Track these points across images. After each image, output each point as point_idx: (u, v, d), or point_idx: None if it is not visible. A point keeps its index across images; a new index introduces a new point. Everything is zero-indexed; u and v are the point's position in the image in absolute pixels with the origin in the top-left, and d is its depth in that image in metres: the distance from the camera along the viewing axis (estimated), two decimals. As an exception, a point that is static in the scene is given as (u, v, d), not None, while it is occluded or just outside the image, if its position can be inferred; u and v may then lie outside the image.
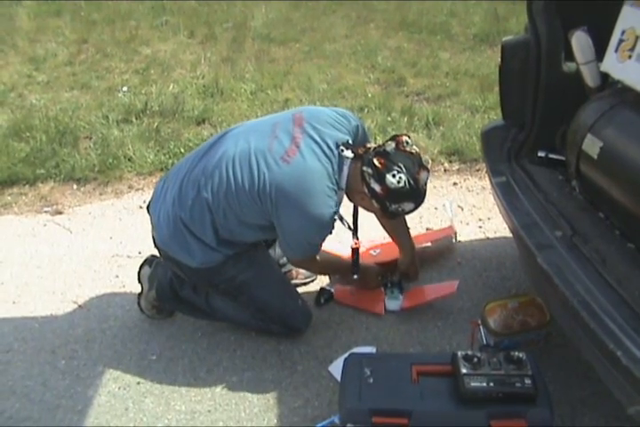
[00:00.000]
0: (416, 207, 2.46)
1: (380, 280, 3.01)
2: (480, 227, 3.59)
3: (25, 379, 2.71)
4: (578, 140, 2.27)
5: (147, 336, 2.91)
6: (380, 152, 2.38)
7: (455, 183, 4.09)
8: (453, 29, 7.09)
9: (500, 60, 2.69)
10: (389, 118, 4.86)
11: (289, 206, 2.36)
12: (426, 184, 2.41)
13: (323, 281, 3.19)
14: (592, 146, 2.18)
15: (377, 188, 2.36)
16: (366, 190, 2.40)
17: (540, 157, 2.72)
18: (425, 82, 5.72)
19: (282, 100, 5.30)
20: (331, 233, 2.51)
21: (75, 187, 4.28)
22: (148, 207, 2.76)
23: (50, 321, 3.04)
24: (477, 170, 4.20)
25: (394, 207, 2.41)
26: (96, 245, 3.63)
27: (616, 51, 2.22)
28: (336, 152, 2.42)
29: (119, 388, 2.64)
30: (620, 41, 2.20)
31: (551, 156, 2.69)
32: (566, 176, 2.54)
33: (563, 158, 2.54)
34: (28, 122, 5.02)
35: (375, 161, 2.35)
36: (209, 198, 2.47)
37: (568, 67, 2.56)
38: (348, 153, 2.42)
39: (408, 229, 3.02)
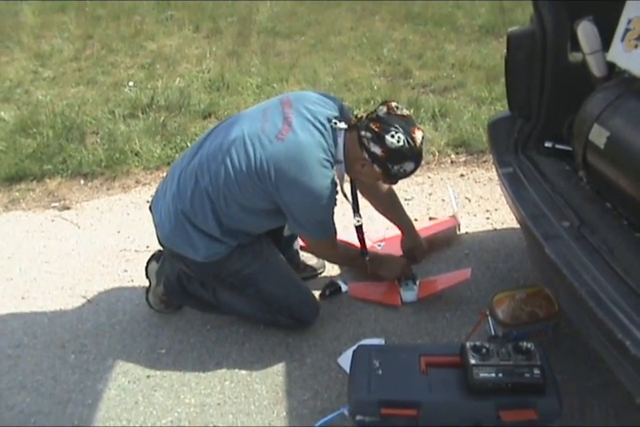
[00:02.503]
0: (416, 167, 2.49)
1: (404, 271, 3.02)
2: (487, 218, 3.59)
3: (35, 373, 2.73)
4: (584, 130, 2.26)
5: (155, 330, 2.92)
6: (374, 118, 2.42)
7: (462, 175, 4.08)
8: (459, 21, 7.06)
9: (505, 51, 2.69)
10: (395, 111, 4.84)
11: (288, 182, 2.38)
12: (422, 143, 2.44)
13: (331, 274, 3.19)
14: (599, 136, 2.18)
15: (377, 150, 2.39)
16: (367, 156, 2.43)
17: (547, 148, 2.72)
18: (431, 74, 5.71)
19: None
20: (335, 204, 2.51)
21: (82, 182, 4.30)
22: (150, 208, 2.78)
23: (59, 316, 3.06)
24: (484, 161, 4.19)
25: (396, 169, 2.44)
26: (104, 240, 3.65)
27: (622, 40, 2.22)
28: (328, 126, 2.45)
29: (129, 382, 2.66)
30: (627, 30, 2.19)
31: (558, 146, 2.69)
32: (573, 166, 2.54)
33: (569, 149, 2.54)
34: (35, 118, 5.04)
35: (372, 125, 2.39)
36: (208, 187, 2.49)
37: (574, 57, 2.55)
38: (342, 124, 2.47)
39: (403, 208, 3.08)
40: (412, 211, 3.67)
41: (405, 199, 3.81)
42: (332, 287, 3.05)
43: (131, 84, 5.85)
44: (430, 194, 3.88)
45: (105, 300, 3.14)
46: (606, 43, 2.32)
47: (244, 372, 2.66)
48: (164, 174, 2.86)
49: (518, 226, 2.73)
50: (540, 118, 2.71)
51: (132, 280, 3.27)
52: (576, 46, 2.46)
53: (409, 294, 2.95)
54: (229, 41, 6.94)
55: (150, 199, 2.83)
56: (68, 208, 4.02)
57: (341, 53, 6.32)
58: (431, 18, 7.15)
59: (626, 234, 2.17)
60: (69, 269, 3.40)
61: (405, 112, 2.45)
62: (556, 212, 2.37)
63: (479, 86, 5.26)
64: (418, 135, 2.41)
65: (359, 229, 2.84)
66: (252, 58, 6.36)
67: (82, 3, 8.47)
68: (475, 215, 3.63)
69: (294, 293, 2.79)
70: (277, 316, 2.78)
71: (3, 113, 5.27)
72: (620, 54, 2.25)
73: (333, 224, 2.59)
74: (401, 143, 2.35)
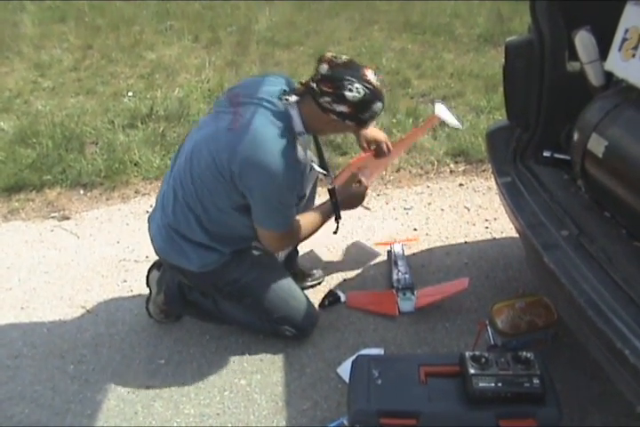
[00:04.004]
0: (383, 105, 2.44)
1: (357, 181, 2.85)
2: (486, 227, 3.59)
3: (34, 384, 2.72)
4: (583, 139, 2.26)
5: (155, 340, 2.92)
6: (321, 78, 2.34)
7: (461, 184, 4.09)
8: (457, 30, 7.09)
9: (504, 60, 2.70)
10: (394, 120, 4.86)
11: (249, 166, 2.35)
12: (377, 80, 2.38)
13: (330, 284, 3.20)
14: (597, 145, 2.18)
15: (343, 109, 2.34)
16: (335, 117, 2.38)
17: (546, 157, 2.72)
18: (429, 83, 5.72)
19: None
20: (299, 185, 2.49)
21: (81, 192, 4.29)
22: (148, 220, 2.82)
23: (58, 326, 3.05)
24: (483, 170, 4.20)
25: (367, 115, 2.40)
26: (103, 250, 3.65)
27: (619, 49, 2.22)
28: (279, 103, 2.41)
29: (128, 392, 2.65)
30: (624, 40, 2.20)
31: (556, 155, 2.69)
32: (572, 176, 2.54)
33: (568, 158, 2.54)
34: (34, 128, 5.03)
35: (324, 88, 2.33)
36: (185, 197, 2.53)
37: (572, 66, 2.56)
38: (292, 98, 2.41)
39: None
40: (411, 220, 3.69)
41: (405, 208, 3.83)
42: (331, 297, 3.05)
43: (130, 94, 5.86)
44: (429, 203, 3.88)
45: (104, 310, 3.14)
46: (604, 52, 2.33)
47: (243, 382, 2.66)
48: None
49: (517, 235, 2.74)
50: (538, 127, 2.72)
51: (132, 290, 3.26)
52: (574, 56, 2.47)
53: (406, 304, 2.95)
54: (228, 51, 6.96)
55: (150, 209, 2.84)
56: (68, 218, 4.02)
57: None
58: (429, 27, 7.17)
59: (624, 243, 2.17)
60: (69, 279, 3.40)
61: (345, 58, 2.39)
62: (555, 221, 2.37)
63: (478, 95, 5.28)
64: (371, 76, 2.36)
65: (332, 192, 2.72)
66: (251, 67, 6.37)
67: (81, 13, 8.50)
68: (474, 224, 3.63)
69: (292, 301, 2.78)
70: (276, 325, 2.77)
71: (2, 123, 5.27)
72: (617, 64, 2.25)
73: (294, 214, 2.56)
74: (362, 92, 2.31)
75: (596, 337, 1.91)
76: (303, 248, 3.21)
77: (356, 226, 3.69)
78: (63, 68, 6.70)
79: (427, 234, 3.58)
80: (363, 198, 2.85)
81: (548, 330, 2.55)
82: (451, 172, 4.25)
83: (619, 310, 1.87)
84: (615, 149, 2.13)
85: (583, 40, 2.38)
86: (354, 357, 2.41)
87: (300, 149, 2.46)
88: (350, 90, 2.29)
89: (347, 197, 2.78)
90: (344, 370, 2.57)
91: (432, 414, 2.06)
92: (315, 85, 2.34)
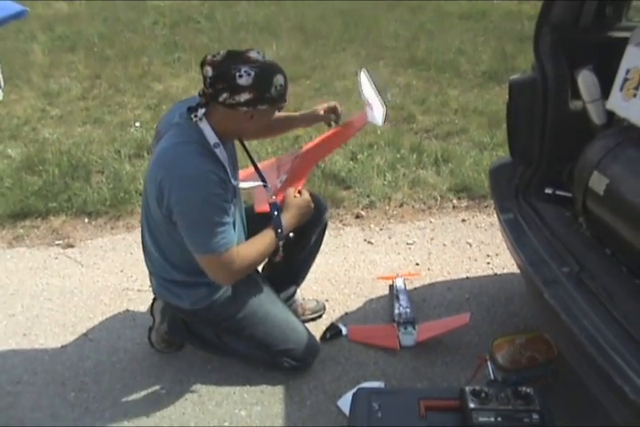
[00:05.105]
0: (284, 75, 2.37)
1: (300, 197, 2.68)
2: (488, 263, 3.61)
3: (34, 411, 2.72)
4: (584, 177, 2.29)
5: (156, 370, 2.92)
6: (211, 81, 2.26)
7: (464, 220, 4.11)
8: (462, 67, 7.15)
9: (507, 97, 2.73)
10: (398, 155, 4.89)
11: (164, 188, 2.31)
12: (263, 57, 2.31)
13: (332, 317, 3.20)
14: (598, 183, 2.21)
15: (246, 96, 2.26)
16: (245, 108, 2.30)
17: (548, 194, 2.75)
18: (434, 119, 5.76)
19: (292, 137, 5.31)
20: (224, 201, 2.36)
21: (86, 220, 4.31)
22: None
23: (60, 353, 3.05)
24: (486, 206, 4.22)
25: (273, 91, 2.31)
26: (107, 279, 3.66)
27: (621, 89, 2.27)
28: (185, 123, 2.36)
29: (128, 421, 2.65)
30: (625, 80, 2.25)
31: (558, 192, 2.72)
32: (573, 213, 2.57)
33: (570, 195, 2.57)
34: (41, 156, 5.06)
35: (218, 87, 2.26)
36: (153, 244, 2.62)
37: (574, 105, 2.60)
38: (200, 112, 2.33)
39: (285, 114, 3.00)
40: (413, 255, 3.71)
41: (407, 243, 3.84)
42: (332, 330, 3.06)
43: (137, 124, 5.89)
44: (432, 238, 3.90)
45: (106, 338, 3.14)
46: (606, 91, 2.37)
47: (243, 413, 2.65)
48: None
49: (518, 271, 2.75)
50: (540, 165, 2.75)
51: (134, 319, 3.27)
52: (576, 94, 2.51)
53: (408, 338, 2.96)
54: (235, 83, 7.00)
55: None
56: (72, 246, 4.03)
57: (346, 97, 6.36)
58: (435, 63, 7.23)
59: (625, 280, 2.19)
60: (71, 306, 3.41)
61: (222, 53, 2.28)
62: (556, 257, 2.39)
63: (481, 132, 5.31)
64: (253, 55, 2.29)
65: (273, 206, 2.61)
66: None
67: (91, 43, 8.57)
68: (475, 260, 3.65)
69: (291, 334, 2.79)
70: (277, 357, 2.78)
71: (10, 150, 5.31)
72: (619, 103, 2.30)
73: (230, 237, 2.40)
74: (252, 73, 2.22)
75: (595, 373, 1.92)
76: (305, 281, 3.22)
77: (359, 260, 3.71)
78: (71, 97, 6.75)
79: (429, 269, 3.60)
80: (309, 208, 2.67)
81: (549, 366, 2.55)
82: (453, 207, 4.27)
83: (619, 346, 1.89)
84: (616, 187, 2.16)
85: (586, 79, 2.42)
86: (354, 390, 2.41)
87: (220, 160, 2.38)
88: (240, 76, 2.22)
89: (290, 213, 2.61)
90: (344, 403, 2.58)
91: (431, 449, 2.06)
92: (210, 90, 2.29)
